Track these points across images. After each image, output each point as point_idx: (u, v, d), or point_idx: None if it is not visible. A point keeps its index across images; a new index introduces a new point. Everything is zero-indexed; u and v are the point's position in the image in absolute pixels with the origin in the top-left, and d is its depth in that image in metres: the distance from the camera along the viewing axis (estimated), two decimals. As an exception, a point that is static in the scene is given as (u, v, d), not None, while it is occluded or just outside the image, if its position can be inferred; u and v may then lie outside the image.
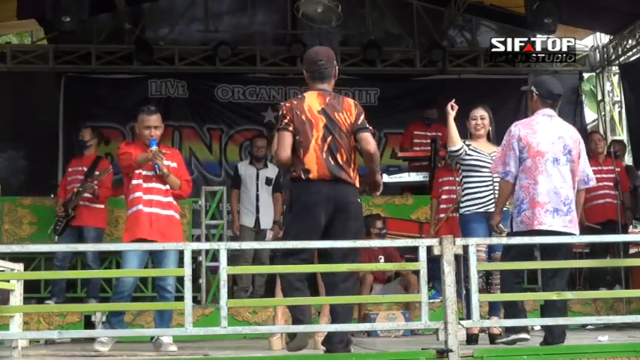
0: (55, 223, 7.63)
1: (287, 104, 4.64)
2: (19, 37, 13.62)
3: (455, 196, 7.54)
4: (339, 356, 4.38)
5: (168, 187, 5.68)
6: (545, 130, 4.90)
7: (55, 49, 10.62)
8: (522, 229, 4.81)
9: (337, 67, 4.78)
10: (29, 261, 7.37)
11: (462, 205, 5.72)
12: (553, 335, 4.71)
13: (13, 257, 5.84)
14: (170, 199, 5.70)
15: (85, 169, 7.70)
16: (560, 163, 4.83)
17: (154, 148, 5.58)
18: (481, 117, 5.73)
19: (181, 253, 4.32)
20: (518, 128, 4.94)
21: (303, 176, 4.49)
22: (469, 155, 5.63)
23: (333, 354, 4.38)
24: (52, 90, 10.72)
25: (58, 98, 10.67)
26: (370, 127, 4.65)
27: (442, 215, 7.62)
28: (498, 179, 5.46)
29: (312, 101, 4.59)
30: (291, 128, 4.53)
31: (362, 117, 4.64)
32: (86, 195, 7.52)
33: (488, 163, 5.56)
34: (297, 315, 4.43)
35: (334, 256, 4.49)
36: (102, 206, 7.68)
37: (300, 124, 4.53)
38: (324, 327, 4.43)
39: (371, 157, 4.61)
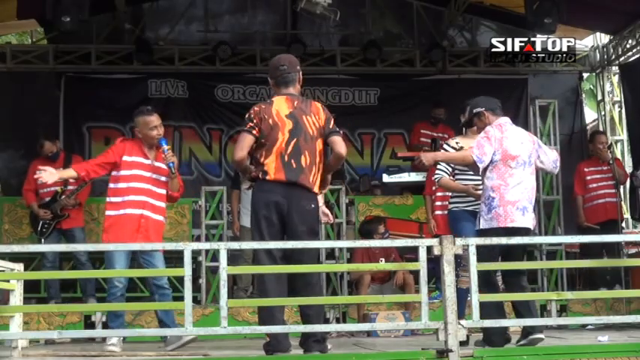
0: (42, 226, 7.61)
1: (255, 108, 4.78)
2: (19, 37, 13.61)
3: (450, 193, 7.58)
4: (339, 356, 4.39)
5: (163, 191, 5.65)
6: (513, 135, 5.14)
7: (55, 49, 10.61)
8: (493, 225, 4.97)
9: (301, 72, 4.89)
10: (29, 261, 7.38)
11: (451, 200, 5.77)
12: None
13: (13, 257, 5.85)
14: (162, 203, 5.67)
15: (61, 169, 7.66)
16: (525, 166, 5.09)
17: (166, 146, 5.58)
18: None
19: (181, 253, 4.31)
20: (495, 130, 5.13)
21: (260, 176, 4.67)
22: None
23: (333, 354, 4.39)
24: (52, 90, 10.72)
25: (58, 98, 10.67)
26: (340, 131, 4.84)
27: (438, 212, 7.64)
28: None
29: (280, 105, 4.74)
30: (254, 132, 4.69)
31: (332, 121, 4.81)
32: (69, 207, 7.58)
33: None
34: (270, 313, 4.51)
35: (293, 258, 4.59)
36: (80, 206, 7.75)
37: (266, 127, 4.68)
38: (323, 327, 4.43)
39: (341, 160, 4.86)
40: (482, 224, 5.04)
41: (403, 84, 11.29)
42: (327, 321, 7.22)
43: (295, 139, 4.66)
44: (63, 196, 7.57)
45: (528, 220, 5.04)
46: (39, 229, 7.62)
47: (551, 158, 5.25)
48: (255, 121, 4.70)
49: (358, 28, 11.53)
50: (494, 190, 5.00)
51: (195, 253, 7.26)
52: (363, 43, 11.00)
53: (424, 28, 11.33)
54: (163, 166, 5.63)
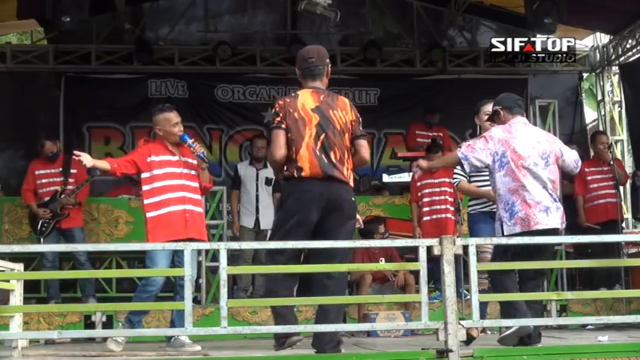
0: (41, 225, 7.60)
1: (280, 102, 4.66)
2: (19, 37, 13.61)
3: (437, 198, 7.60)
4: (339, 356, 4.38)
5: (196, 184, 5.62)
6: (523, 135, 4.99)
7: (55, 49, 10.62)
8: (516, 230, 4.84)
9: (330, 66, 4.77)
10: (29, 261, 7.38)
11: (469, 203, 5.77)
12: (531, 336, 4.73)
13: (13, 257, 5.85)
14: (199, 196, 5.63)
15: (60, 169, 7.68)
16: (540, 167, 4.93)
17: (190, 140, 5.53)
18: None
19: (181, 253, 4.30)
20: (498, 130, 5.02)
21: (295, 174, 4.52)
22: None
23: (333, 354, 4.37)
24: (52, 90, 10.73)
25: (58, 98, 10.68)
26: (367, 135, 4.74)
27: (426, 218, 7.65)
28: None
29: (305, 99, 4.61)
30: (284, 126, 4.56)
31: (360, 122, 4.69)
32: (69, 206, 7.57)
33: None
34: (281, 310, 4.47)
35: (322, 253, 4.51)
36: (80, 206, 7.74)
37: (292, 122, 4.55)
38: (322, 327, 4.41)
39: (364, 164, 4.78)
40: (506, 230, 4.89)
41: (403, 84, 11.30)
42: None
43: (324, 134, 4.53)
44: (63, 195, 7.57)
45: (554, 220, 4.87)
46: (38, 228, 7.61)
47: (572, 158, 5.10)
48: (281, 115, 4.57)
49: (358, 28, 11.54)
50: (513, 194, 4.87)
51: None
52: (363, 43, 11.00)
53: (424, 28, 11.34)
54: (191, 160, 5.60)
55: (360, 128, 4.69)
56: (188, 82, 10.92)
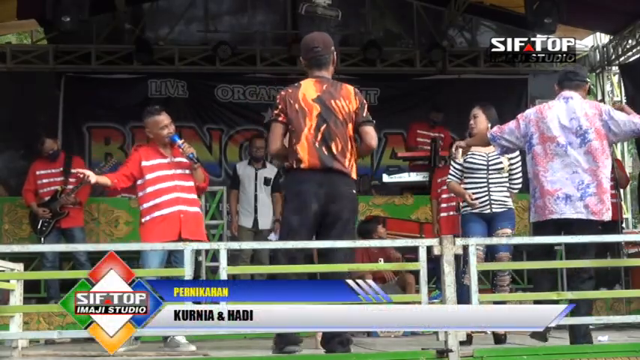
0: (41, 224, 7.61)
1: (282, 92, 4.61)
2: (19, 37, 13.61)
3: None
4: (339, 356, 4.38)
5: (191, 183, 5.63)
6: (556, 115, 4.71)
7: (55, 49, 10.62)
8: (537, 219, 4.77)
9: (335, 53, 4.73)
10: (29, 261, 7.38)
11: (462, 204, 5.79)
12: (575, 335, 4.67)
13: (13, 257, 5.84)
14: (194, 195, 5.64)
15: (61, 169, 7.68)
16: (573, 146, 4.64)
17: (180, 141, 5.55)
18: (474, 116, 5.69)
19: (178, 253, 4.31)
20: (532, 111, 4.85)
21: (294, 165, 4.48)
22: (466, 159, 5.66)
23: (333, 354, 4.37)
24: (52, 90, 10.73)
25: (58, 98, 10.68)
26: (373, 121, 4.62)
27: (443, 214, 7.64)
28: (493, 181, 5.47)
29: (307, 89, 4.56)
30: (281, 119, 4.52)
31: (365, 108, 4.60)
32: (69, 205, 7.56)
33: (483, 164, 5.57)
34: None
35: (327, 249, 4.48)
36: (81, 206, 7.75)
37: (292, 113, 4.50)
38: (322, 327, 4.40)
39: (370, 150, 4.66)
40: (531, 216, 4.83)
41: (403, 84, 11.30)
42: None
43: (325, 125, 4.46)
44: (63, 195, 7.58)
45: (575, 210, 4.58)
46: (38, 227, 7.62)
47: (628, 127, 4.62)
48: (280, 106, 4.52)
49: (358, 28, 11.53)
50: (535, 178, 4.71)
51: (195, 253, 7.25)
52: (363, 43, 11.00)
53: (424, 28, 11.34)
54: (183, 159, 5.61)
55: (365, 114, 4.57)
56: (188, 82, 10.92)
